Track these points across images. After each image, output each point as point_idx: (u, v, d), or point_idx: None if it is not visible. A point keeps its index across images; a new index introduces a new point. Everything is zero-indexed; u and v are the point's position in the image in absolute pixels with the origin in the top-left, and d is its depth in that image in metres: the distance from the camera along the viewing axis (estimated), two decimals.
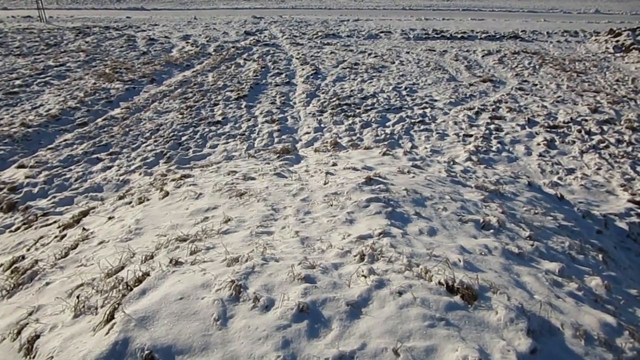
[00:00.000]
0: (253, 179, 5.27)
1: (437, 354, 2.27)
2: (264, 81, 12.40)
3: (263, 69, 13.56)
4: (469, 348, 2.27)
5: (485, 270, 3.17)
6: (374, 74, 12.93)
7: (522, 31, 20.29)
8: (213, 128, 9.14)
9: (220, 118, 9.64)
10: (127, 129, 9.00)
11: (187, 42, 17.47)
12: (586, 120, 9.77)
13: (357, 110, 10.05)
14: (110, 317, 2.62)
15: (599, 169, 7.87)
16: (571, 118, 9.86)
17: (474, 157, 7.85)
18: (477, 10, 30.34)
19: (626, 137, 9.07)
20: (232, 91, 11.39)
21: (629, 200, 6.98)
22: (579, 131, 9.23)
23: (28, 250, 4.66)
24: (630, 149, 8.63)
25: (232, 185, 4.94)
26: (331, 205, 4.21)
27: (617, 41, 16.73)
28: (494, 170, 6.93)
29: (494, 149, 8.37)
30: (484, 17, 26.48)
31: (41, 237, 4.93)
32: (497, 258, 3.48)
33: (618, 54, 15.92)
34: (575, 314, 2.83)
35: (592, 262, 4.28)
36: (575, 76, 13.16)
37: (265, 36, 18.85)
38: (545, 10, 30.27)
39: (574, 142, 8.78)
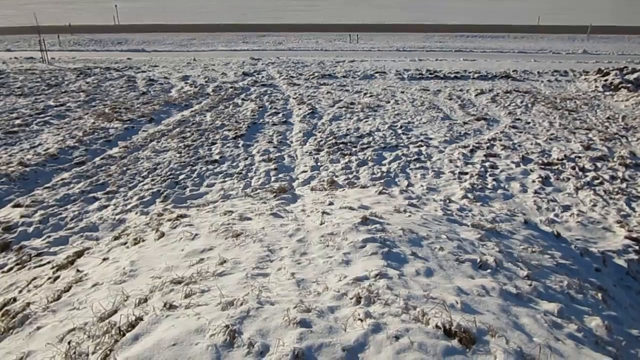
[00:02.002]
0: (249, 219, 5.27)
1: None
2: (261, 120, 12.58)
3: (260, 109, 13.78)
4: None
5: (483, 312, 3.14)
6: (369, 113, 13.15)
7: (513, 71, 20.80)
8: (210, 167, 9.19)
9: (217, 157, 9.72)
10: (124, 168, 9.04)
11: (186, 83, 17.82)
12: (580, 157, 9.89)
13: (354, 149, 10.15)
14: None
15: (594, 205, 7.91)
16: (565, 155, 9.98)
17: (470, 195, 7.88)
18: (469, 51, 31.18)
19: (620, 174, 9.16)
20: (229, 130, 11.53)
21: (626, 237, 6.97)
22: (573, 168, 9.32)
23: (20, 292, 4.59)
24: (624, 185, 8.70)
25: (228, 225, 4.93)
26: (327, 246, 4.20)
27: (606, 80, 17.14)
28: (490, 208, 6.95)
29: (489, 186, 8.42)
30: (476, 58, 27.19)
31: (34, 279, 4.87)
32: (495, 299, 3.45)
33: (607, 93, 16.29)
34: (576, 357, 2.78)
35: (591, 302, 4.24)
36: (567, 114, 13.41)
37: (262, 77, 19.26)
38: (535, 51, 31.14)
39: (568, 179, 8.85)
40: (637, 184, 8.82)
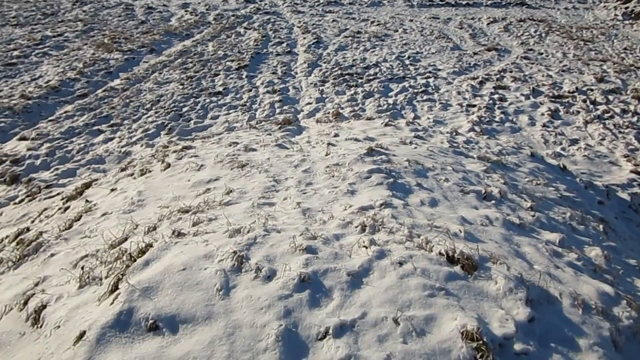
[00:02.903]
0: (254, 150, 5.26)
1: (436, 323, 2.31)
2: (264, 50, 12.21)
3: (264, 38, 13.33)
4: (467, 317, 2.31)
5: (486, 241, 3.19)
6: (376, 43, 12.71)
7: None
8: (214, 99, 9.06)
9: (221, 89, 9.55)
10: (127, 100, 8.93)
11: (187, 11, 17.13)
12: (592, 90, 9.64)
13: (360, 80, 9.93)
14: (115, 287, 2.66)
15: (602, 139, 7.82)
16: (576, 88, 9.73)
17: (477, 128, 7.79)
18: None
19: (632, 107, 8.97)
20: (232, 61, 11.23)
21: (632, 171, 6.95)
22: (584, 101, 9.12)
23: (32, 222, 4.70)
24: (635, 119, 8.54)
25: (234, 156, 4.93)
26: (333, 176, 4.21)
27: (627, 8, 16.31)
28: (496, 140, 6.89)
29: (497, 119, 8.30)
30: None
31: (45, 209, 4.97)
32: (498, 229, 3.50)
33: (627, 22, 15.55)
34: (574, 284, 2.86)
35: (592, 233, 4.30)
36: (582, 44, 12.91)
37: (265, 4, 18.46)
38: None
39: (578, 112, 8.69)
40: None
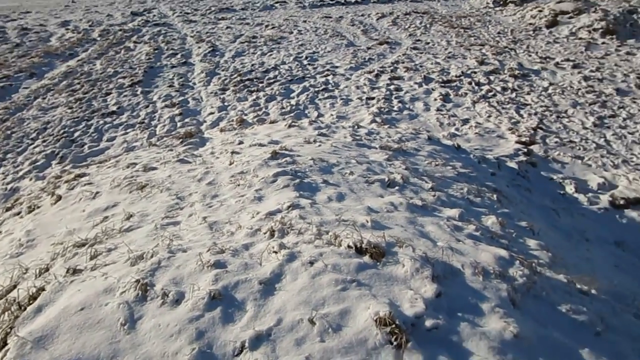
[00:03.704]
0: (155, 169, 5.01)
1: (351, 315, 2.34)
2: (158, 64, 11.72)
3: (156, 51, 12.80)
4: (380, 304, 2.37)
5: (392, 227, 3.31)
6: (273, 46, 12.73)
7: None
8: (108, 119, 8.53)
9: (115, 108, 9.01)
10: (8, 132, 8.11)
11: (67, 29, 15.94)
12: (475, 73, 10.43)
13: (260, 85, 9.88)
14: (3, 343, 2.39)
15: (489, 116, 8.49)
16: (462, 72, 10.47)
17: (377, 119, 8.09)
18: None
19: (510, 85, 9.84)
20: (124, 77, 10.65)
21: (516, 142, 7.63)
22: (470, 83, 9.84)
23: None
24: (514, 95, 9.38)
25: (132, 178, 4.66)
26: (238, 185, 4.13)
27: None
28: (396, 129, 7.20)
29: (395, 108, 8.68)
30: None
31: None
32: (403, 213, 3.64)
33: (497, 8, 17.06)
34: (474, 254, 3.05)
35: (488, 203, 4.64)
36: (463, 32, 13.93)
37: (154, 15, 17.73)
38: None
39: (466, 94, 9.36)
40: (524, 93, 9.56)
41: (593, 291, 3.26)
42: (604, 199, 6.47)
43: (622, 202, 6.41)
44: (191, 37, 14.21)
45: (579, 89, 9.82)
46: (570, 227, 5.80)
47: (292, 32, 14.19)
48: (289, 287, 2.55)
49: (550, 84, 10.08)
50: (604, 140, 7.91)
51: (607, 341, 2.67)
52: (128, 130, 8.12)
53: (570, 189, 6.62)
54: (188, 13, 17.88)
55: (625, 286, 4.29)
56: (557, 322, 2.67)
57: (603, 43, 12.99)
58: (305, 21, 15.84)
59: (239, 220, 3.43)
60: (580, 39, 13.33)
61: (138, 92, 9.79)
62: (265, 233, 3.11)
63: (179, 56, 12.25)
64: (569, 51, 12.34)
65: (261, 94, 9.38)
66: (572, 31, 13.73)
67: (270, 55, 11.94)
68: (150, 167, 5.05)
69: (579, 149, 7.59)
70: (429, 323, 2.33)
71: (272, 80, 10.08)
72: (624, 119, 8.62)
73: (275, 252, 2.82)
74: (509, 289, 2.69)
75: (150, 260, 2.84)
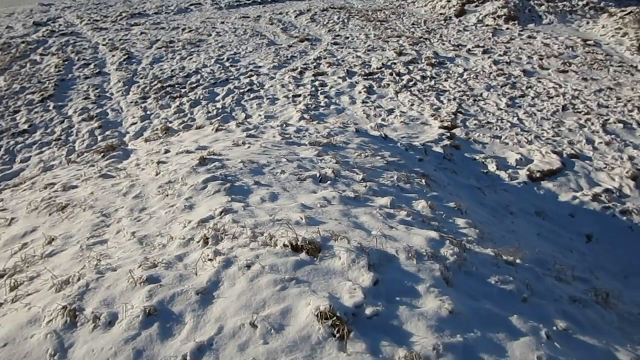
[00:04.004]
0: (75, 187, 4.72)
1: (292, 313, 2.34)
2: (70, 76, 11.01)
3: (66, 62, 12.00)
4: (320, 298, 2.39)
5: (327, 221, 3.34)
6: (192, 50, 12.40)
7: None
8: (20, 139, 7.91)
9: (26, 126, 8.37)
10: None
11: None
12: (395, 64, 10.79)
13: (183, 90, 9.59)
14: None
15: (412, 104, 8.82)
16: (382, 64, 10.78)
17: (305, 116, 8.13)
18: None
19: (428, 73, 10.27)
20: (34, 93, 9.90)
21: (440, 127, 7.99)
22: (391, 74, 10.17)
23: None
24: (433, 82, 9.81)
25: (51, 199, 4.35)
26: (167, 195, 3.99)
27: None
28: (325, 124, 7.28)
29: (322, 104, 8.77)
30: None
31: None
32: (336, 206, 3.69)
33: (409, 0, 17.73)
34: (407, 238, 3.16)
35: (417, 188, 4.82)
36: (379, 25, 14.34)
37: (60, 25, 16.60)
38: None
39: (388, 84, 9.65)
40: (442, 80, 10.03)
41: (518, 261, 3.49)
42: (523, 174, 6.95)
43: (538, 174, 6.92)
44: (103, 45, 13.47)
45: (491, 73, 10.46)
46: (495, 202, 6.18)
47: (210, 35, 13.89)
48: (228, 293, 2.50)
49: (465, 69, 10.65)
50: (517, 119, 8.49)
51: (533, 305, 2.87)
52: (43, 149, 7.58)
53: (492, 167, 7.04)
54: (97, 20, 16.93)
55: (546, 252, 4.64)
56: (488, 293, 2.83)
57: (507, 28, 13.92)
58: (223, 22, 15.56)
59: (170, 231, 3.32)
60: (487, 25, 14.20)
61: (50, 107, 9.15)
62: (198, 242, 3.03)
63: (92, 66, 11.57)
64: (478, 38, 13.10)
65: (185, 99, 9.11)
66: (479, 19, 14.59)
67: (190, 59, 11.62)
68: (70, 186, 4.74)
69: (496, 129, 8.08)
70: (369, 311, 2.38)
71: (194, 85, 9.82)
72: (532, 98, 9.30)
73: (211, 260, 2.76)
74: (442, 269, 2.82)
75: (77, 284, 2.67)
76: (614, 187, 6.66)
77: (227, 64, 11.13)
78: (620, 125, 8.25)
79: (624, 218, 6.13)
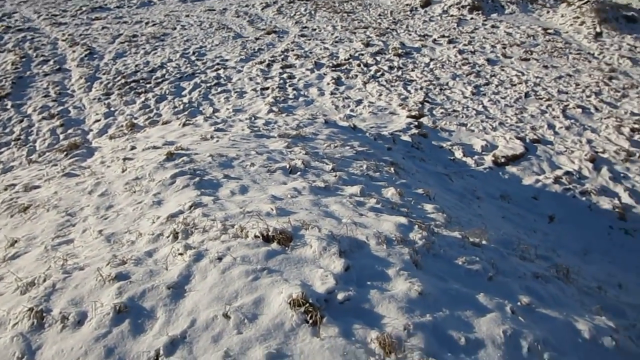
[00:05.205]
0: (37, 187, 4.58)
1: (265, 303, 2.36)
2: (28, 73, 10.61)
3: (24, 59, 11.55)
4: (292, 286, 2.41)
5: (297, 211, 3.36)
6: (157, 44, 12.12)
7: None
8: None
9: None
10: None
11: None
12: (362, 55, 10.84)
13: (148, 85, 9.38)
14: None
15: (380, 95, 8.89)
16: (350, 55, 10.82)
17: (274, 108, 8.10)
18: None
19: (395, 63, 10.37)
20: None
21: (407, 116, 8.10)
22: (359, 65, 10.22)
23: None
24: (400, 72, 9.92)
25: (12, 201, 4.21)
26: (134, 192, 3.92)
27: None
28: (294, 116, 7.28)
29: (291, 96, 8.75)
30: None
31: None
32: (307, 196, 3.72)
33: None
34: (377, 225, 3.21)
35: (386, 176, 4.90)
36: (346, 16, 14.35)
37: (16, 20, 15.94)
38: None
39: (356, 75, 9.70)
40: (409, 70, 10.15)
41: (484, 242, 3.60)
42: (488, 159, 7.14)
43: (502, 160, 7.13)
44: (63, 41, 13.02)
45: (456, 62, 10.65)
46: (462, 188, 6.33)
47: (175, 28, 13.61)
48: (200, 286, 2.50)
49: (431, 59, 10.80)
50: (482, 106, 8.69)
51: (498, 283, 2.98)
52: (2, 150, 7.30)
53: (459, 154, 7.20)
54: (56, 15, 16.33)
55: (511, 233, 4.80)
56: (455, 274, 2.92)
57: (471, 18, 14.18)
58: (188, 16, 15.26)
59: (138, 228, 3.27)
60: (452, 15, 14.42)
61: (8, 106, 8.80)
62: (168, 237, 3.00)
63: (51, 63, 11.18)
64: (443, 28, 13.29)
65: (150, 95, 8.92)
66: (444, 9, 14.79)
67: (155, 53, 11.37)
68: (32, 186, 4.60)
69: (462, 117, 8.26)
70: (340, 296, 2.42)
71: (160, 80, 9.62)
72: (496, 86, 9.53)
73: (181, 254, 2.74)
74: (411, 252, 2.89)
75: (43, 285, 2.61)
76: (574, 169, 6.92)
77: (193, 57, 10.94)
78: (579, 110, 8.55)
79: (584, 198, 6.39)
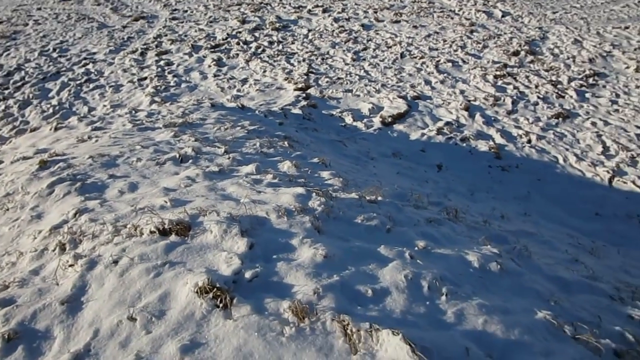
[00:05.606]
0: None
1: (171, 297, 2.29)
2: None
3: None
4: (197, 275, 2.36)
5: (193, 199, 3.27)
6: (8, 44, 10.80)
7: None
8: None
9: None
10: None
11: None
12: (240, 32, 10.63)
13: (7, 91, 8.38)
14: None
15: (264, 71, 8.83)
16: (228, 34, 10.55)
17: (157, 98, 7.70)
18: None
19: (275, 38, 10.33)
20: None
21: (295, 90, 8.17)
22: (238, 43, 10.02)
23: None
24: (280, 47, 9.90)
25: None
26: (7, 209, 3.53)
27: None
28: (178, 104, 6.98)
29: (172, 84, 8.37)
30: None
31: None
32: (202, 183, 3.63)
33: None
34: (275, 199, 3.24)
35: (281, 151, 4.93)
36: None
37: None
38: None
39: (237, 54, 9.51)
40: (289, 43, 10.17)
41: (380, 198, 3.81)
42: (376, 121, 7.49)
43: (389, 119, 7.52)
44: None
45: (333, 31, 10.88)
46: (356, 151, 6.59)
47: (27, 24, 12.19)
48: (98, 294, 2.35)
49: (309, 30, 10.92)
50: (363, 71, 9.03)
51: (396, 233, 3.18)
52: None
53: (349, 119, 7.45)
54: None
55: (405, 187, 5.12)
56: (356, 232, 3.06)
57: None
58: (40, 9, 13.73)
59: (18, 247, 2.96)
60: None
61: None
62: (54, 250, 2.76)
63: None
64: None
65: (11, 101, 7.98)
66: None
67: (8, 54, 10.12)
68: None
69: (347, 83, 8.52)
70: (248, 274, 2.42)
71: (19, 83, 8.63)
72: (374, 50, 9.93)
73: (72, 265, 2.54)
74: (312, 219, 2.96)
75: None
76: (452, 119, 7.53)
77: (54, 54, 9.93)
78: (450, 64, 9.26)
79: (464, 144, 7.00)
